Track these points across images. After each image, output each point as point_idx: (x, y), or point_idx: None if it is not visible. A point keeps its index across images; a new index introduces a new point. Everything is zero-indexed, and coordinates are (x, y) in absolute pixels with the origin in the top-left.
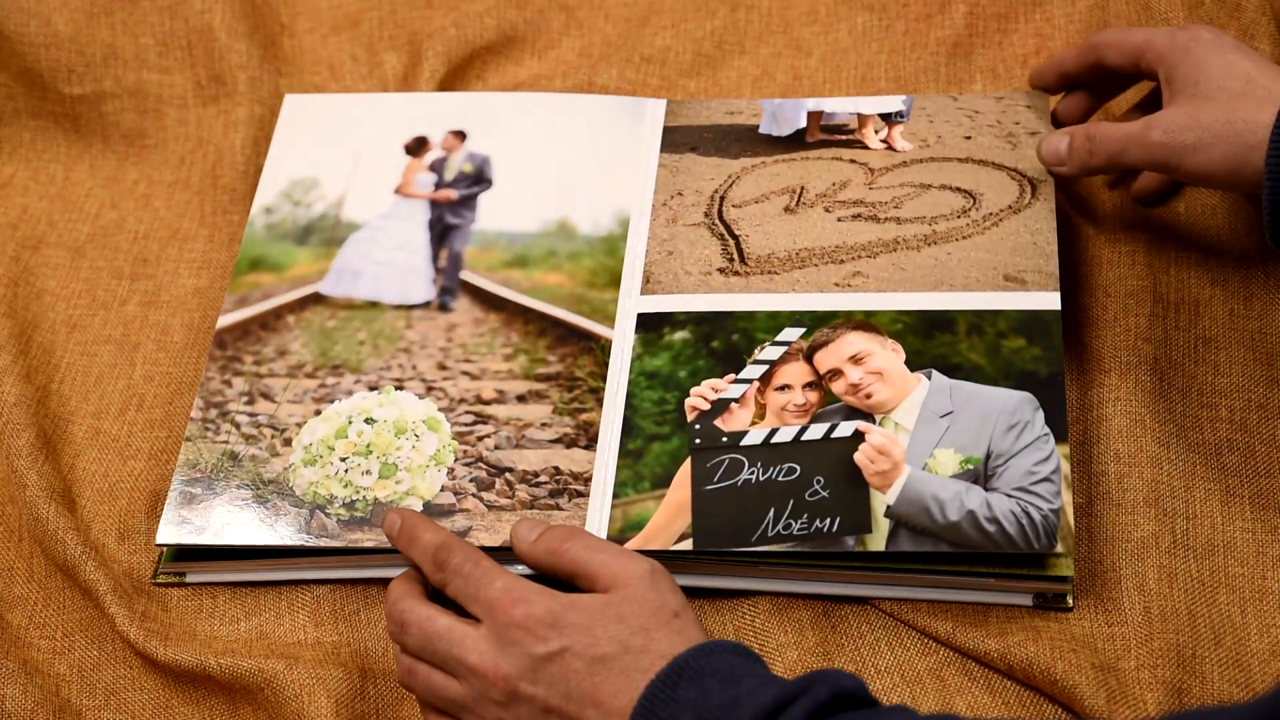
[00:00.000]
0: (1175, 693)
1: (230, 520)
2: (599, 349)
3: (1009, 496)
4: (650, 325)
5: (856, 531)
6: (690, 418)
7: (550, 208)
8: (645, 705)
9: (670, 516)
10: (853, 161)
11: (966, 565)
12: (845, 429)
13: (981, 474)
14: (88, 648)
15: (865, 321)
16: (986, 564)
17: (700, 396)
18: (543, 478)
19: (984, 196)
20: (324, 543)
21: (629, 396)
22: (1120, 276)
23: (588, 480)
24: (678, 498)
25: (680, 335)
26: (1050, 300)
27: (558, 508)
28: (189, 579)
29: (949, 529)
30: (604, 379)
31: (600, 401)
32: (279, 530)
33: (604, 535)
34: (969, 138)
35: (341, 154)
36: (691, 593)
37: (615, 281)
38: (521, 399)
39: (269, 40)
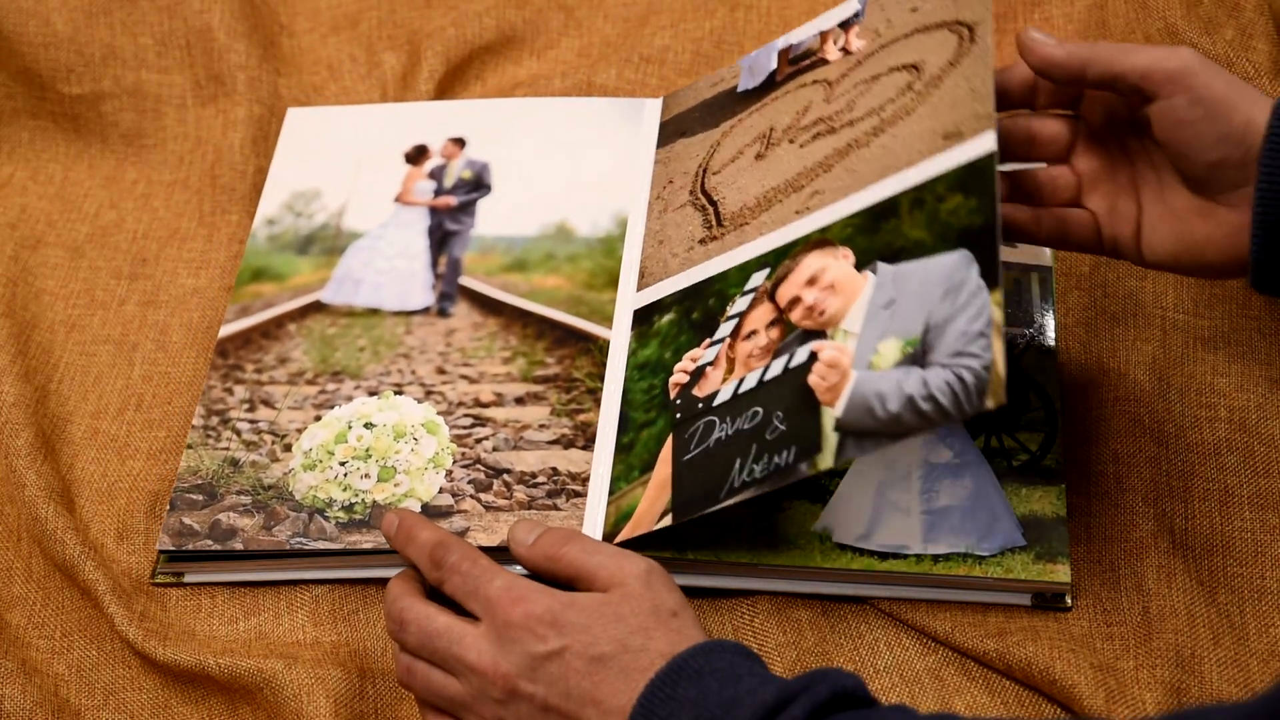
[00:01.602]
0: (1174, 693)
1: (230, 526)
2: (597, 349)
3: (944, 366)
4: (643, 318)
5: (809, 455)
6: (672, 395)
7: (549, 211)
8: (644, 704)
9: (654, 497)
10: (814, 83)
11: (965, 568)
12: (801, 354)
13: (920, 352)
14: (86, 647)
15: (821, 239)
16: (984, 567)
17: (681, 371)
18: (540, 478)
19: (926, 63)
20: (322, 545)
21: (624, 393)
22: (1119, 276)
23: (585, 480)
24: (660, 476)
25: (667, 318)
26: (986, 143)
27: (555, 508)
28: (187, 579)
29: (890, 422)
30: (602, 379)
31: (598, 402)
32: (278, 534)
33: (600, 534)
34: (915, 10)
35: (342, 164)
36: (691, 593)
37: (613, 282)
38: (520, 401)
39: (268, 40)
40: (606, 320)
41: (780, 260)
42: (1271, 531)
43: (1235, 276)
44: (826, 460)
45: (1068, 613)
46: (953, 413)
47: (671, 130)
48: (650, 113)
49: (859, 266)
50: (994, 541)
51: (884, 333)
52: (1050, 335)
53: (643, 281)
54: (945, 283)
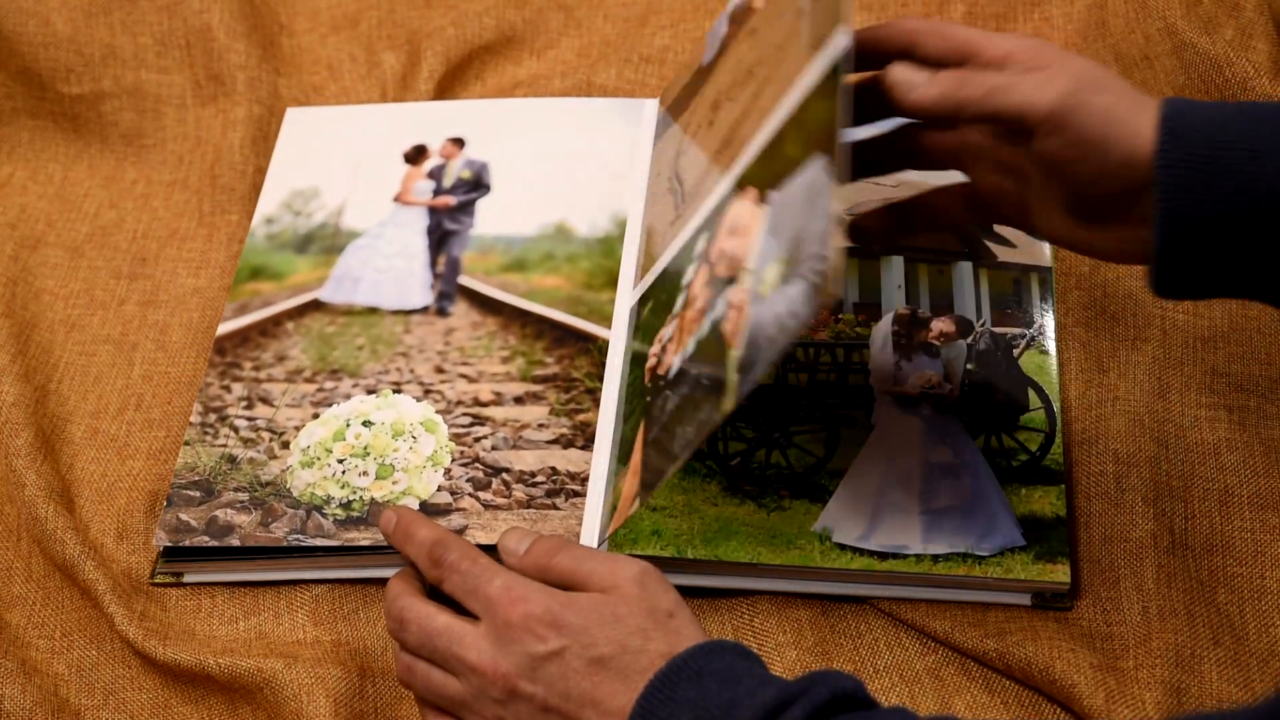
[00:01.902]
0: (1174, 692)
1: (227, 522)
2: (596, 350)
3: (801, 277)
4: (635, 314)
5: (718, 403)
6: (647, 380)
7: (548, 211)
8: (644, 705)
9: (631, 484)
10: (747, 35)
11: (965, 568)
12: (719, 306)
13: (792, 268)
14: (86, 647)
15: (740, 188)
16: (983, 567)
17: (653, 355)
18: (539, 478)
19: None
20: (320, 542)
21: (619, 391)
22: (1118, 276)
23: (584, 480)
24: (636, 463)
25: (647, 308)
26: (839, 42)
27: (554, 507)
28: (186, 579)
29: (768, 347)
30: (601, 379)
31: (597, 402)
32: (276, 531)
33: (599, 533)
34: None
35: (341, 164)
36: (691, 593)
37: (612, 282)
38: (519, 400)
39: (268, 40)
40: (605, 320)
41: (714, 220)
42: (1271, 531)
43: (1131, 264)
44: (729, 404)
45: (1068, 613)
46: (807, 318)
47: (663, 124)
48: (649, 113)
49: (760, 202)
50: (994, 541)
51: (768, 259)
52: (1050, 335)
53: (639, 279)
54: (807, 190)
